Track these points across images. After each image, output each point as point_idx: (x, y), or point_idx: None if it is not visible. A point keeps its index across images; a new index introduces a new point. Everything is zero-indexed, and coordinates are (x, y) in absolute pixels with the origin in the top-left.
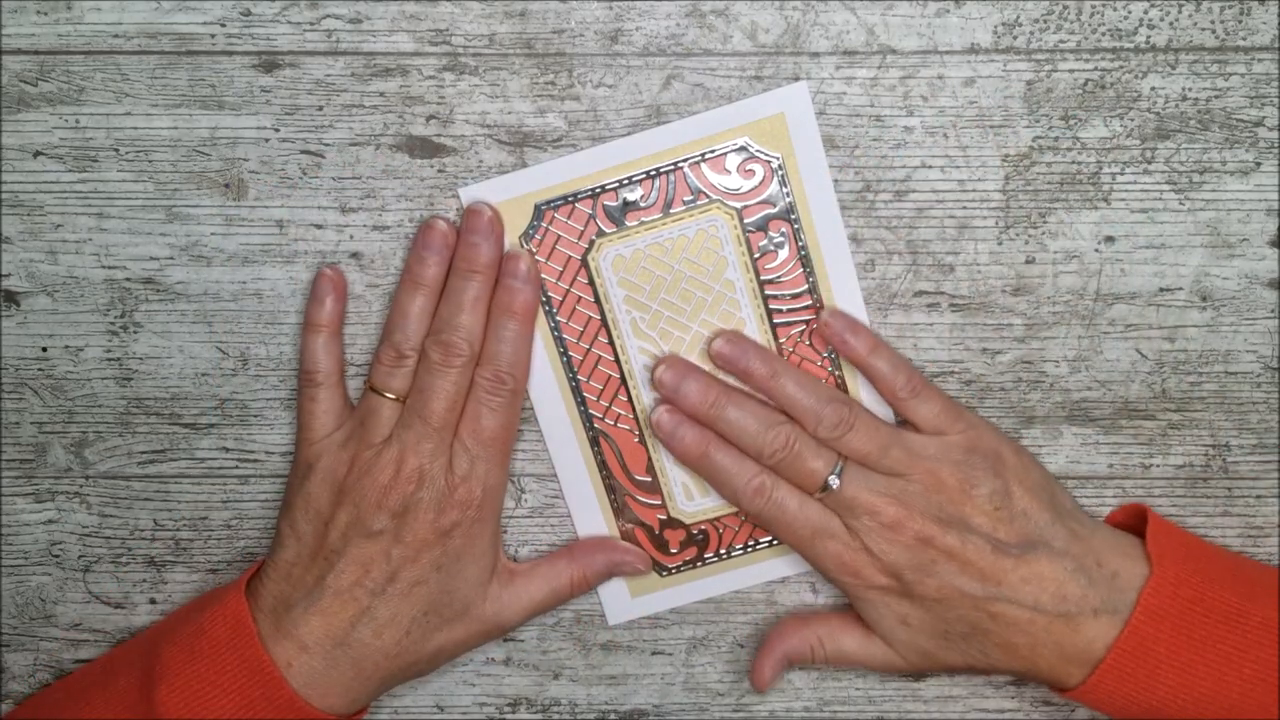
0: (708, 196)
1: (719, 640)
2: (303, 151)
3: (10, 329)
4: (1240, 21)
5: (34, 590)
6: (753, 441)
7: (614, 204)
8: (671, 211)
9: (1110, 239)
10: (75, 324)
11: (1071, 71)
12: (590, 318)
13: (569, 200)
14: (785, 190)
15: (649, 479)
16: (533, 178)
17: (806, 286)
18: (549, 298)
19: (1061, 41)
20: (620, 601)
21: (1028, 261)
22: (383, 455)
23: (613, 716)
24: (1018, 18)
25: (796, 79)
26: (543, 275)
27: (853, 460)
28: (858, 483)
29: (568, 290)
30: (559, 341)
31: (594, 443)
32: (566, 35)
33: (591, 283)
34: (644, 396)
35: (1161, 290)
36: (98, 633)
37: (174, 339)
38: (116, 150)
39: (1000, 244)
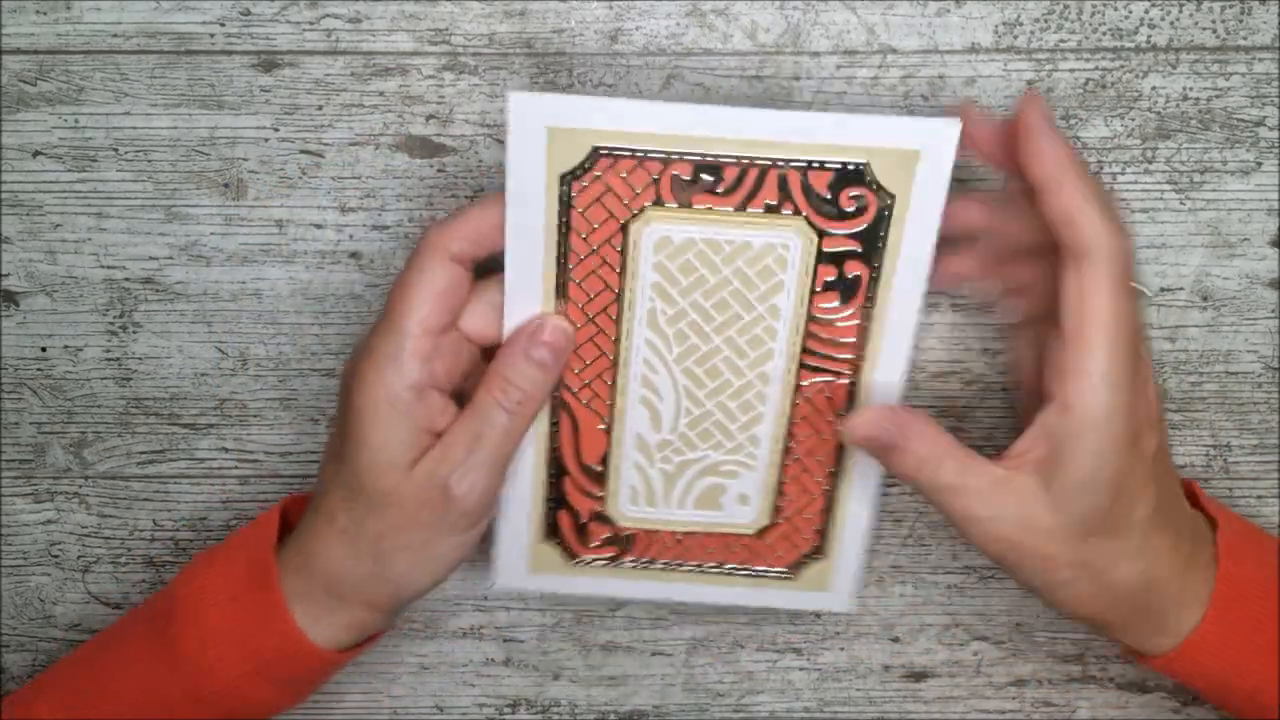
0: (793, 208)
1: (719, 640)
2: (302, 151)
3: (9, 329)
4: (1241, 21)
5: (33, 590)
6: None
7: (685, 177)
8: (748, 210)
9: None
10: (75, 324)
11: (1072, 71)
12: (605, 288)
13: (635, 154)
14: (882, 235)
15: (600, 469)
16: (599, 111)
17: (854, 339)
18: (571, 249)
19: (1062, 41)
20: (515, 570)
21: None
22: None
23: (613, 717)
24: (1018, 17)
25: (796, 79)
26: (575, 229)
27: None
28: None
29: (593, 250)
30: (561, 288)
31: (554, 412)
32: (566, 35)
33: (624, 252)
34: (630, 389)
35: (1162, 290)
36: (98, 633)
37: (173, 339)
38: (116, 150)
39: None
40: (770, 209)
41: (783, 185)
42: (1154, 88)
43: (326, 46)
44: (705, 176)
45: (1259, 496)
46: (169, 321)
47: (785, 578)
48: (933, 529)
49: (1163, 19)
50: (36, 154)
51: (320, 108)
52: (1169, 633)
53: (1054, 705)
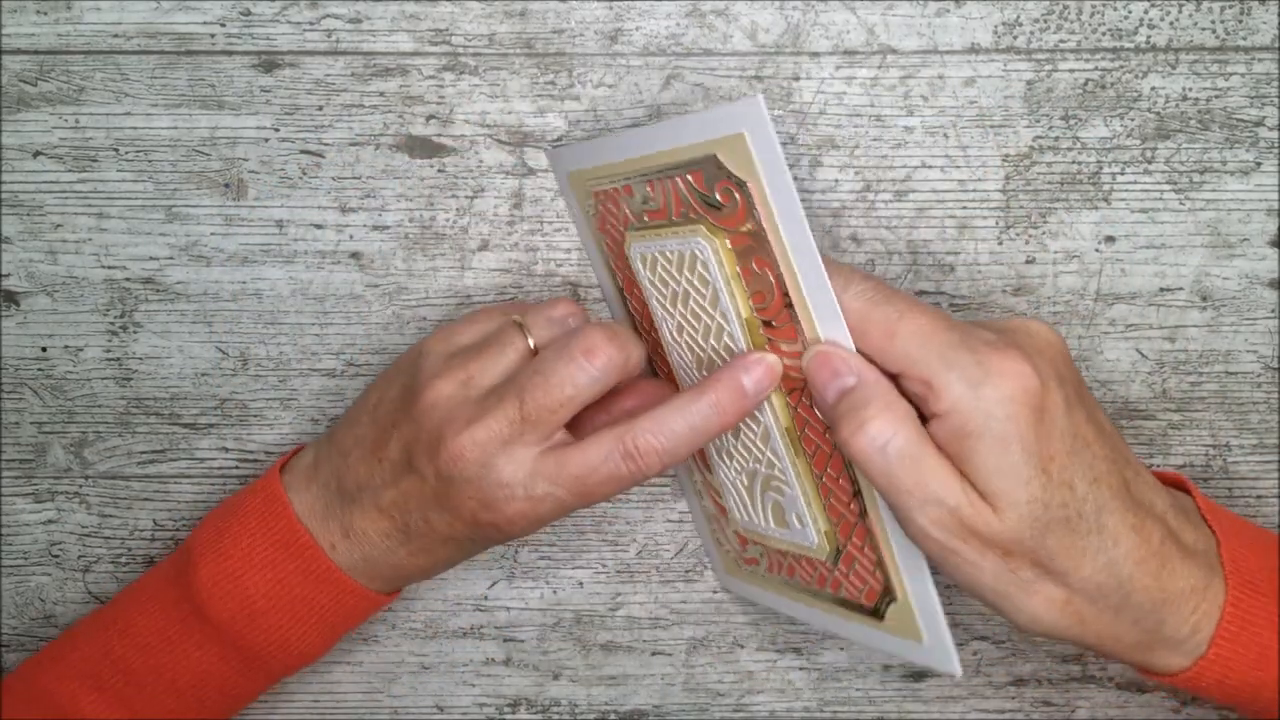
0: (697, 213)
1: (719, 640)
2: (302, 151)
3: (10, 329)
4: (1240, 21)
5: (34, 590)
6: None
7: (632, 197)
8: (673, 219)
9: (1110, 239)
10: (75, 324)
11: (1072, 71)
12: (643, 305)
13: (610, 186)
14: (760, 222)
15: (712, 474)
16: (587, 153)
17: (797, 341)
18: (615, 271)
19: (1062, 41)
20: (719, 570)
21: (1028, 261)
22: (462, 408)
23: (613, 717)
24: (1018, 17)
25: (797, 79)
26: (608, 254)
27: None
28: None
29: (623, 269)
30: (631, 309)
31: None
32: (566, 35)
33: (632, 272)
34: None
35: (1162, 290)
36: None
37: (174, 339)
38: (116, 150)
39: (1000, 244)
40: (685, 217)
41: (681, 192)
42: (1154, 88)
43: (327, 47)
44: (641, 195)
45: (1259, 496)
46: (169, 321)
47: (875, 620)
48: None
49: (1162, 19)
50: (37, 154)
51: (320, 108)
52: (1174, 641)
53: (1053, 705)
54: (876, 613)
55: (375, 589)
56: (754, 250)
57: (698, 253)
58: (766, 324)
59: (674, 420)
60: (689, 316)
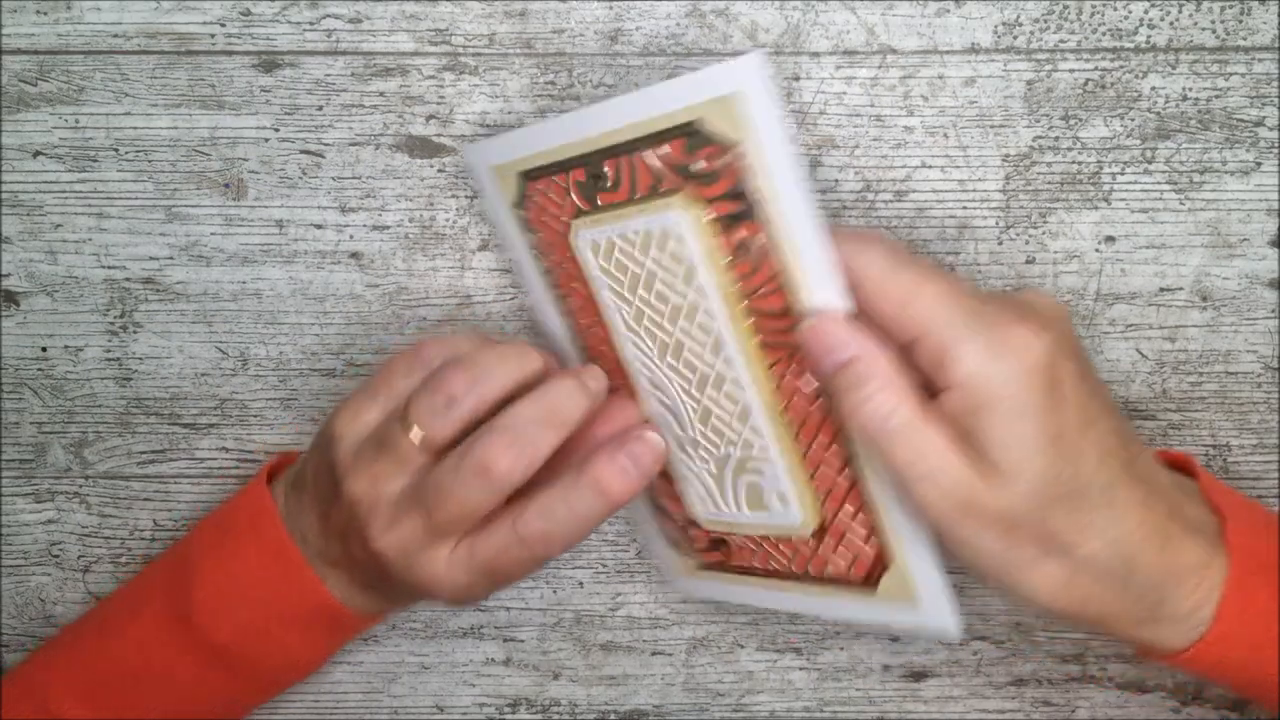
0: (671, 186)
1: (719, 640)
2: (302, 151)
3: (10, 329)
4: (1240, 21)
5: (34, 590)
6: None
7: (582, 180)
8: (637, 197)
9: (1110, 239)
10: (75, 324)
11: (1072, 71)
12: (586, 300)
13: (548, 171)
14: (751, 184)
15: (668, 473)
16: (513, 141)
17: (784, 305)
18: (547, 271)
19: (1062, 41)
20: (672, 573)
21: (1028, 261)
22: (375, 514)
23: (613, 717)
24: (1018, 17)
25: (797, 79)
26: (540, 252)
27: None
28: None
29: (561, 268)
30: (566, 310)
31: None
32: (566, 35)
33: (577, 264)
34: (642, 390)
35: (1162, 290)
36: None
37: (174, 339)
38: (116, 150)
39: (1000, 244)
40: (654, 192)
41: (651, 167)
42: (1154, 88)
43: (327, 47)
44: (594, 177)
45: (1259, 496)
46: (169, 321)
47: (865, 590)
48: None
49: (1162, 19)
50: (37, 154)
51: (320, 108)
52: (1175, 619)
53: (1053, 705)
54: (869, 580)
55: (359, 608)
56: (742, 217)
57: (669, 228)
58: (751, 294)
59: (557, 505)
60: (652, 300)
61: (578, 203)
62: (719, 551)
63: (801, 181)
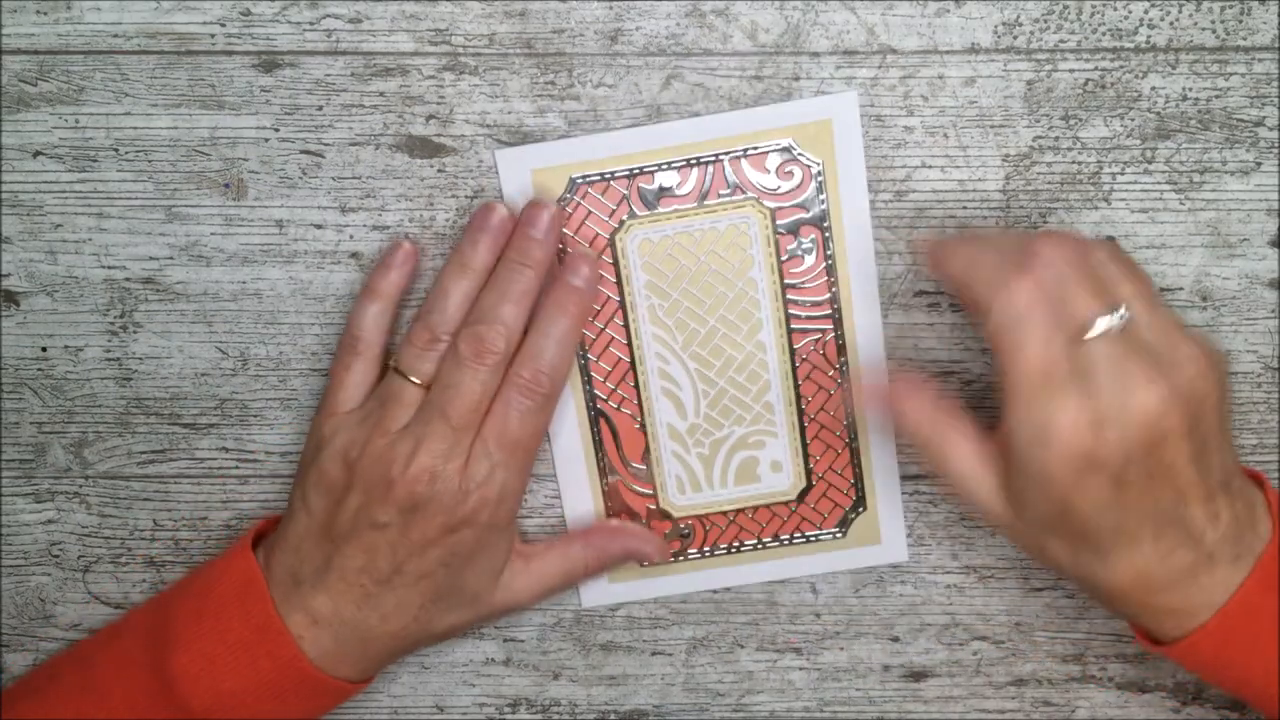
0: (744, 192)
1: (719, 640)
2: (302, 151)
3: (10, 329)
4: (1240, 21)
5: (34, 590)
6: None
7: (650, 187)
8: (706, 203)
9: (1111, 239)
10: (75, 324)
11: (1072, 71)
12: (609, 298)
13: (605, 178)
14: (821, 198)
15: (643, 467)
16: (570, 149)
17: (828, 295)
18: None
19: (1062, 41)
20: (598, 584)
21: None
22: (396, 447)
23: (613, 717)
24: (1018, 18)
25: (797, 79)
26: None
27: None
28: None
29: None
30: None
31: (594, 422)
32: (566, 35)
33: (616, 263)
34: (651, 383)
35: (1162, 290)
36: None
37: (174, 339)
38: (116, 150)
39: None
40: (724, 197)
41: (730, 175)
42: (1154, 88)
43: (327, 47)
44: (666, 183)
45: None
46: (169, 321)
47: (836, 537)
48: (932, 529)
49: (1162, 19)
50: (37, 154)
51: (320, 108)
52: (1170, 612)
53: (1053, 705)
54: (843, 524)
55: (344, 676)
56: (803, 221)
57: (739, 226)
58: (795, 285)
59: (539, 343)
60: (694, 292)
61: (634, 207)
62: (680, 539)
63: (865, 197)
